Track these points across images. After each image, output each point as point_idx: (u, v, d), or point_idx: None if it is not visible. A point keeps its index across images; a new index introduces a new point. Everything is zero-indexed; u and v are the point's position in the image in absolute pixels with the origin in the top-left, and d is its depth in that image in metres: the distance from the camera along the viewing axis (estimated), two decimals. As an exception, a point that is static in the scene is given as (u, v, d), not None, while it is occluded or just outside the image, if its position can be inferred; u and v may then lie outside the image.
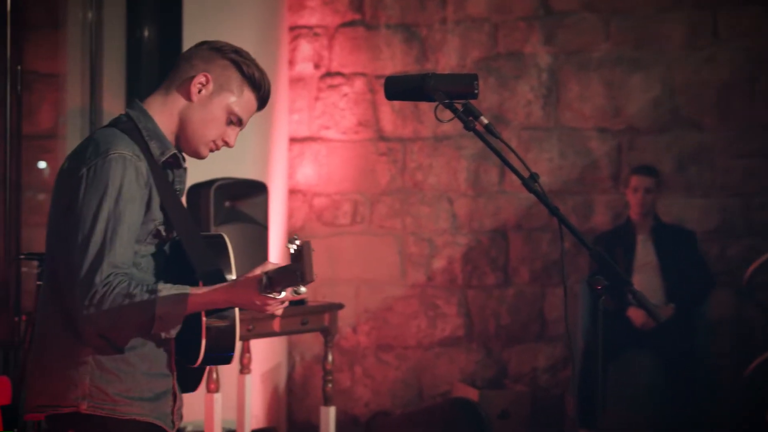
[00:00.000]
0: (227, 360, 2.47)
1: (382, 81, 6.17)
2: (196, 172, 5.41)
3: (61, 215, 2.40)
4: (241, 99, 2.50)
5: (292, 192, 6.27)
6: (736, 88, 5.92)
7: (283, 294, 2.29)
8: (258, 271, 2.35)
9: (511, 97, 6.09)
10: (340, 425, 5.52)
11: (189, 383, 2.58)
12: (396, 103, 6.13)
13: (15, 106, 4.99)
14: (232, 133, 2.53)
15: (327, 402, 4.62)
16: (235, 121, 2.51)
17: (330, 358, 4.62)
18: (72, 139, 5.20)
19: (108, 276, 2.31)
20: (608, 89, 6.02)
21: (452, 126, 6.13)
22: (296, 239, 2.24)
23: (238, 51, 2.53)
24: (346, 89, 6.22)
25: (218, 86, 2.49)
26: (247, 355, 4.78)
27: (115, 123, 2.49)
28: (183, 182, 2.55)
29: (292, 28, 6.25)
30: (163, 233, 2.46)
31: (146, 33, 5.17)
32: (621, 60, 6.01)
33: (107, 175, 2.33)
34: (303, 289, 2.24)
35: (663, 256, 5.65)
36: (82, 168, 2.36)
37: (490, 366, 6.11)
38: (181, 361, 2.50)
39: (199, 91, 2.48)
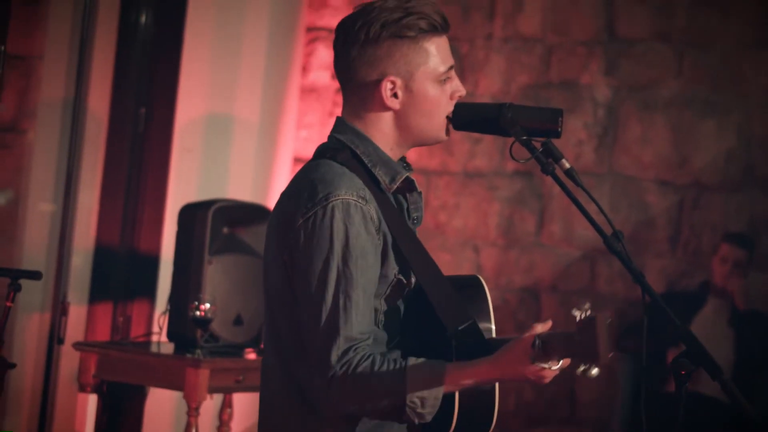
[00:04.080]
0: None
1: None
2: (188, 189, 5.47)
3: (278, 270, 2.37)
4: (433, 56, 2.43)
5: (295, 222, 6.27)
6: (827, 146, 5.98)
7: (560, 364, 2.26)
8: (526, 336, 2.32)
9: (559, 134, 6.12)
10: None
11: None
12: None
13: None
14: (455, 84, 2.47)
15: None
16: (446, 75, 2.45)
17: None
18: (42, 135, 5.18)
19: (346, 353, 2.28)
20: (675, 134, 6.03)
21: (486, 162, 6.17)
22: (587, 308, 2.17)
23: (384, 22, 2.38)
24: (366, 106, 6.25)
25: (407, 73, 2.42)
26: (227, 410, 4.80)
27: (326, 152, 2.43)
28: (419, 208, 2.51)
29: (309, 29, 6.29)
30: (404, 281, 2.41)
31: (143, 18, 5.21)
32: (693, 101, 6.02)
33: (330, 228, 2.29)
34: (595, 370, 2.14)
35: (738, 330, 5.72)
36: (299, 218, 2.32)
37: (505, 450, 6.13)
38: None
39: (396, 96, 2.43)
